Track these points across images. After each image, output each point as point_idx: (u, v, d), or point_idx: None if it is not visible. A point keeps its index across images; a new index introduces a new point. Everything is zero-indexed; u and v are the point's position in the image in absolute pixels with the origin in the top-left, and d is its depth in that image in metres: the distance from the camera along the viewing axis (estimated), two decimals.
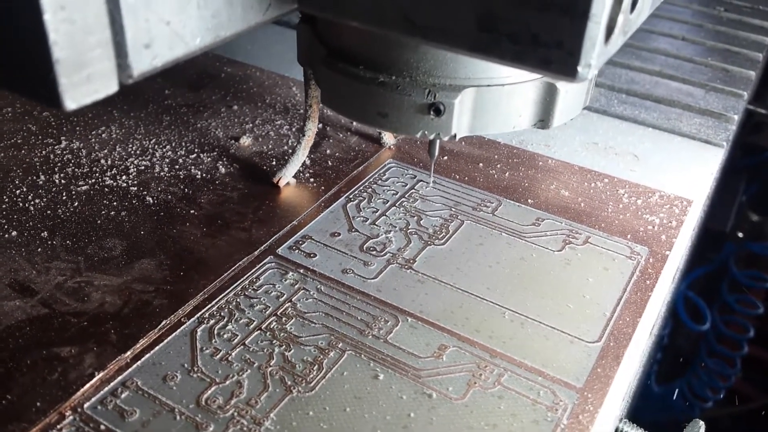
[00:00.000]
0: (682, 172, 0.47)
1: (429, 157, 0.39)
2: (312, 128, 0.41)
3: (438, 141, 0.37)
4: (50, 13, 0.17)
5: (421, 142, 0.47)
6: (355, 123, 0.48)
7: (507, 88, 0.31)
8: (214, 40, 0.22)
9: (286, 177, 0.42)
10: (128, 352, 0.30)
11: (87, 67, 0.18)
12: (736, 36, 0.71)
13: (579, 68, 0.21)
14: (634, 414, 0.36)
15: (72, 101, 0.18)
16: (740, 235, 0.93)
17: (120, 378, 0.29)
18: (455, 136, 0.32)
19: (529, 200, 0.42)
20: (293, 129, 0.48)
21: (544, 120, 0.32)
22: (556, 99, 0.32)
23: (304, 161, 0.44)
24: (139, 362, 0.30)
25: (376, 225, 0.39)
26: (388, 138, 0.47)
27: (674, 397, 0.89)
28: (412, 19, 0.24)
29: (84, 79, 0.18)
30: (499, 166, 0.45)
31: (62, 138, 0.45)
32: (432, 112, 0.31)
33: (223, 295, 0.34)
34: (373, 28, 0.25)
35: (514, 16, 0.21)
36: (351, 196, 0.41)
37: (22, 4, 0.17)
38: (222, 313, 0.33)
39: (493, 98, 0.31)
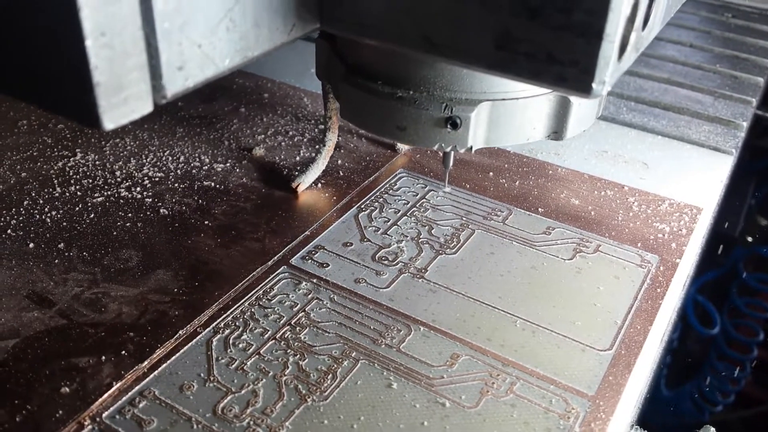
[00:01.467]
0: (691, 179, 0.47)
1: (443, 168, 0.40)
2: (332, 138, 0.42)
3: (453, 153, 0.38)
4: (91, 39, 0.18)
5: (432, 152, 0.47)
6: (365, 133, 0.49)
7: (521, 102, 0.32)
8: (242, 60, 0.23)
9: (305, 183, 0.43)
10: (145, 362, 0.31)
11: (125, 89, 0.19)
12: (744, 42, 0.71)
13: (594, 85, 0.22)
14: (643, 418, 0.36)
15: (110, 122, 0.19)
16: (749, 239, 0.93)
17: (138, 388, 0.30)
18: (471, 148, 0.32)
19: (540, 209, 0.42)
20: (305, 139, 0.49)
21: (558, 132, 0.33)
22: (569, 112, 0.32)
23: None
24: (156, 372, 0.30)
25: (388, 234, 0.39)
26: (402, 145, 0.48)
27: (684, 401, 0.89)
28: (431, 39, 0.24)
29: (122, 101, 0.19)
30: (509, 175, 0.46)
31: (77, 150, 0.46)
32: (449, 126, 0.31)
33: (237, 305, 0.34)
34: (394, 46, 0.26)
35: (530, 36, 0.22)
36: (363, 206, 0.42)
37: (65, 30, 0.17)
38: (237, 323, 0.33)
39: (508, 112, 0.32)
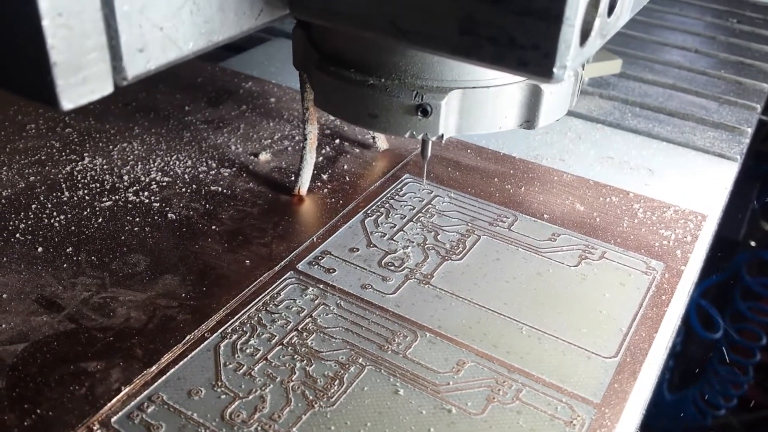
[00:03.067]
0: (696, 186, 0.47)
1: (422, 159, 0.40)
2: (312, 131, 0.42)
3: (430, 143, 0.39)
4: (48, 18, 0.18)
5: (437, 158, 0.47)
6: (373, 140, 0.49)
7: (492, 90, 0.32)
8: (207, 44, 0.23)
9: (304, 185, 0.43)
10: (153, 367, 0.31)
11: (83, 69, 0.19)
12: (749, 48, 0.71)
13: (555, 69, 0.22)
14: (646, 422, 0.36)
15: (68, 101, 0.19)
16: (753, 243, 0.93)
17: (146, 392, 0.30)
18: (442, 136, 0.33)
19: (545, 215, 0.42)
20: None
21: (530, 121, 0.33)
22: (540, 100, 0.33)
23: (322, 177, 0.45)
24: (164, 377, 0.31)
25: (394, 240, 0.40)
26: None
27: (687, 406, 0.89)
28: (398, 24, 0.25)
29: (80, 80, 0.19)
30: (514, 180, 0.46)
31: (85, 154, 0.46)
32: (420, 113, 0.32)
33: (245, 310, 0.34)
34: (361, 31, 0.26)
35: (493, 20, 0.23)
36: (369, 212, 0.42)
37: (22, 10, 0.18)
38: (244, 329, 0.33)
39: (479, 99, 0.32)
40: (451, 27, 0.24)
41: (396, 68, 0.32)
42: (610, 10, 0.24)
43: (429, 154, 0.39)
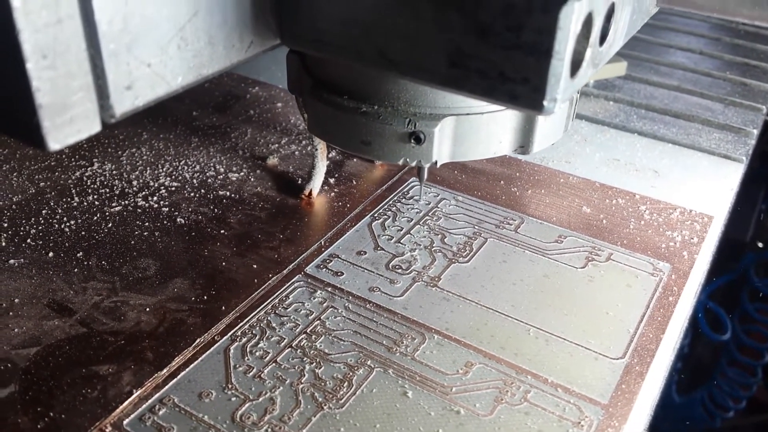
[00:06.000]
0: (702, 187, 0.47)
1: (419, 182, 0.40)
2: (321, 143, 0.42)
3: (426, 168, 0.38)
4: (32, 62, 0.18)
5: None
6: None
7: (486, 117, 0.32)
8: (196, 78, 0.23)
9: (316, 188, 0.44)
10: (164, 370, 0.31)
11: (69, 110, 0.19)
12: (754, 49, 0.71)
13: (545, 103, 0.22)
14: (654, 424, 0.36)
15: (55, 142, 0.19)
16: (760, 244, 0.93)
17: (157, 395, 0.30)
18: (436, 163, 0.32)
19: (552, 217, 0.42)
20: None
21: (524, 146, 0.33)
22: (535, 126, 0.32)
23: (329, 181, 0.45)
24: (175, 380, 0.31)
25: (401, 243, 0.40)
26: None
27: (695, 407, 0.89)
28: (387, 55, 0.24)
29: (67, 121, 0.19)
30: (520, 183, 0.46)
31: (95, 160, 0.47)
32: (413, 141, 0.31)
33: (254, 313, 0.35)
34: (351, 62, 0.26)
35: (482, 54, 0.22)
36: (376, 215, 0.42)
37: (6, 53, 0.18)
38: (254, 331, 0.33)
39: (473, 126, 0.32)
40: (440, 59, 0.23)
41: (389, 95, 0.31)
42: (602, 39, 0.24)
43: (425, 177, 0.39)
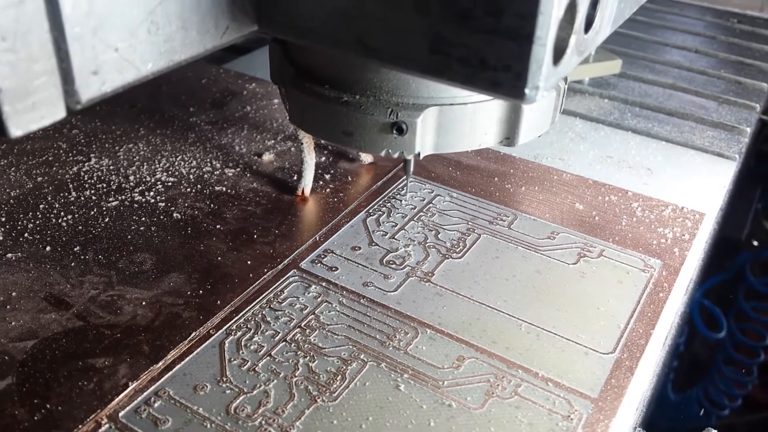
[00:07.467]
0: (694, 185, 0.47)
1: (405, 175, 0.39)
2: (306, 136, 0.42)
3: (412, 160, 0.37)
4: None
5: (439, 158, 0.48)
6: None
7: (470, 107, 0.31)
8: (168, 64, 0.22)
9: (308, 186, 0.44)
10: (160, 363, 0.32)
11: (32, 95, 0.18)
12: (749, 48, 0.71)
13: (527, 90, 0.21)
14: (650, 422, 0.37)
15: (17, 128, 0.18)
16: (755, 243, 0.93)
17: (153, 388, 0.30)
18: (419, 154, 0.32)
19: (545, 214, 0.43)
20: (314, 144, 0.50)
21: (510, 138, 0.33)
22: (520, 117, 0.32)
23: (324, 177, 0.46)
24: (170, 373, 0.31)
25: (396, 239, 0.40)
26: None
27: (691, 406, 0.89)
28: (366, 42, 0.24)
29: (29, 106, 0.18)
30: (514, 180, 0.46)
31: (92, 155, 0.47)
32: (395, 131, 0.31)
33: (249, 307, 0.35)
34: (330, 49, 0.25)
35: (463, 40, 0.22)
36: (371, 211, 0.43)
37: None
38: (249, 325, 0.34)
39: (457, 117, 0.31)
40: (420, 46, 0.23)
41: (370, 85, 0.31)
42: (588, 25, 0.23)
43: (411, 170, 0.39)
